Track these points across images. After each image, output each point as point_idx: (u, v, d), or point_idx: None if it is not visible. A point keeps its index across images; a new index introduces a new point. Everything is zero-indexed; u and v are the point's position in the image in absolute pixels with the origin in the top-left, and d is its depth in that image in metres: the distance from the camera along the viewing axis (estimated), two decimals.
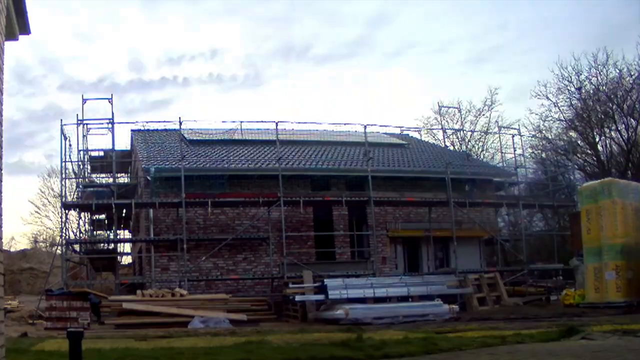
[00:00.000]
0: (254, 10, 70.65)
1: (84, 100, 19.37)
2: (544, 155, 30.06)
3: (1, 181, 4.53)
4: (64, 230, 19.51)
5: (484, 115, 37.95)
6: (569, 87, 30.53)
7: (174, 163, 19.10)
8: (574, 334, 8.93)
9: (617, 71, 29.02)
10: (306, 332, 11.18)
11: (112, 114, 19.64)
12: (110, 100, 19.79)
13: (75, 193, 21.39)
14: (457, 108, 36.77)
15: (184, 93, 67.98)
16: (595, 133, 30.09)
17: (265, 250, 18.97)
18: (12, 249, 37.05)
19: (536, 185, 26.04)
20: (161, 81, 68.04)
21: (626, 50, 39.89)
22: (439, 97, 66.57)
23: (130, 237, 25.36)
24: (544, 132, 31.77)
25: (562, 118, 31.22)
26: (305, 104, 66.65)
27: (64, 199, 19.66)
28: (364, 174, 19.55)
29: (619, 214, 16.06)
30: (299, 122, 22.35)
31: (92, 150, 21.49)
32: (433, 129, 36.01)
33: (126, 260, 27.82)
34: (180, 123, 19.52)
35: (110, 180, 22.03)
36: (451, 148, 31.88)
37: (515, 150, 23.27)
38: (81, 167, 21.61)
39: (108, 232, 24.01)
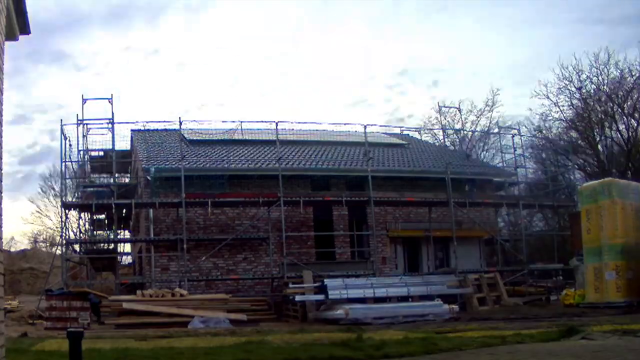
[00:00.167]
0: None
1: (84, 100, 19.35)
2: (544, 155, 30.06)
3: (1, 180, 4.54)
4: (64, 230, 19.52)
5: (484, 115, 38.04)
6: (569, 87, 30.58)
7: (174, 163, 19.09)
8: (574, 334, 8.93)
9: (618, 71, 29.07)
10: (306, 332, 11.18)
11: (112, 114, 19.64)
12: (110, 100, 19.78)
13: (75, 193, 21.38)
14: (457, 108, 36.84)
15: None
16: (595, 133, 30.09)
17: (265, 250, 18.97)
18: (12, 249, 37.08)
19: (536, 185, 26.06)
20: None
21: (627, 50, 40.01)
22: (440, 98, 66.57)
23: (130, 237, 25.36)
24: (544, 132, 31.80)
25: (563, 118, 31.27)
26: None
27: (64, 199, 19.66)
28: (364, 174, 19.55)
29: (619, 214, 16.06)
30: (299, 122, 22.35)
31: (92, 150, 21.48)
32: (433, 129, 36.05)
33: (126, 260, 27.83)
34: (180, 123, 19.53)
35: (110, 180, 22.02)
36: (451, 148, 31.87)
37: (515, 150, 23.28)
38: (81, 167, 21.61)
39: (108, 232, 24.00)
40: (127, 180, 24.38)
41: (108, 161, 21.24)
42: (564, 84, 30.56)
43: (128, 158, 23.14)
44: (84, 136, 20.40)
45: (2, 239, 4.44)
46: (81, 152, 20.82)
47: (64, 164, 19.21)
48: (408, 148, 25.48)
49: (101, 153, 21.72)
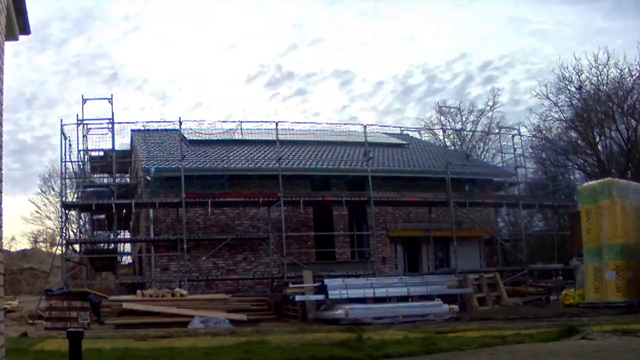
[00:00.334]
0: None
1: (84, 100, 19.36)
2: (543, 155, 30.06)
3: (1, 182, 4.54)
4: (64, 230, 19.52)
5: (485, 115, 38.07)
6: (569, 87, 30.58)
7: (174, 163, 19.09)
8: (574, 334, 8.93)
9: (618, 71, 29.07)
10: (306, 332, 11.18)
11: (112, 114, 19.64)
12: (110, 100, 19.79)
13: (75, 193, 21.39)
14: (457, 108, 36.89)
15: None
16: (595, 133, 30.09)
17: (265, 250, 18.98)
18: (12, 249, 37.09)
19: (536, 185, 26.06)
20: None
21: (627, 50, 39.95)
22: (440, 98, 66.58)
23: (130, 237, 25.36)
24: (544, 132, 31.80)
25: (562, 118, 31.27)
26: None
27: (64, 199, 19.67)
28: (364, 174, 19.56)
29: (619, 214, 16.06)
30: (299, 122, 22.35)
31: (92, 150, 21.48)
32: (433, 129, 36.07)
33: (126, 260, 27.83)
34: (180, 123, 19.55)
35: (110, 180, 22.03)
36: (452, 148, 31.89)
37: (515, 151, 23.28)
38: (81, 167, 21.61)
39: (108, 232, 24.00)
40: (127, 180, 24.38)
41: (108, 161, 21.24)
42: (563, 84, 30.62)
43: (128, 158, 23.14)
44: (84, 136, 20.42)
45: (2, 239, 4.44)
46: (81, 152, 20.82)
47: (64, 164, 19.23)
48: (408, 148, 25.48)
49: (101, 153, 21.72)
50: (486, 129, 36.61)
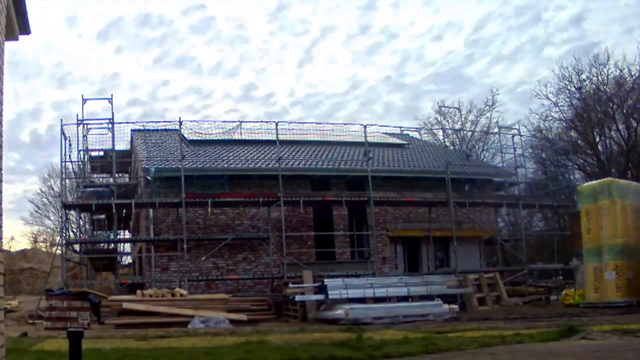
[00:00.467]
0: None
1: (84, 100, 19.36)
2: (543, 155, 30.06)
3: (1, 181, 4.54)
4: (64, 230, 19.52)
5: (484, 115, 38.05)
6: (569, 87, 30.57)
7: (174, 163, 19.09)
8: (574, 334, 8.93)
9: (618, 71, 29.07)
10: (306, 332, 11.18)
11: (112, 114, 19.64)
12: (110, 100, 19.79)
13: (75, 193, 21.38)
14: (457, 108, 36.87)
15: None
16: (595, 133, 30.08)
17: (265, 250, 18.98)
18: (12, 249, 37.08)
19: (536, 185, 26.05)
20: None
21: (627, 50, 39.95)
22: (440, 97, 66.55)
23: (130, 237, 25.37)
24: (544, 132, 31.79)
25: (562, 118, 31.26)
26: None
27: (64, 199, 19.66)
28: (364, 174, 19.56)
29: (619, 214, 16.07)
30: (299, 122, 22.34)
31: (92, 150, 21.48)
32: (433, 129, 36.07)
33: (126, 260, 27.84)
34: (180, 123, 19.55)
35: (110, 180, 22.02)
36: (451, 148, 31.89)
37: (515, 150, 23.28)
38: (81, 167, 21.61)
39: (108, 232, 23.99)
40: (127, 180, 24.38)
41: (108, 161, 21.24)
42: (563, 84, 30.61)
43: (128, 158, 23.15)
44: (84, 136, 20.42)
45: (2, 238, 4.44)
46: (81, 152, 20.82)
47: (63, 164, 19.23)
48: (408, 148, 25.48)
49: (101, 153, 21.72)
50: (485, 129, 36.61)
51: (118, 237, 23.39)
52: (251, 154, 21.38)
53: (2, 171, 4.57)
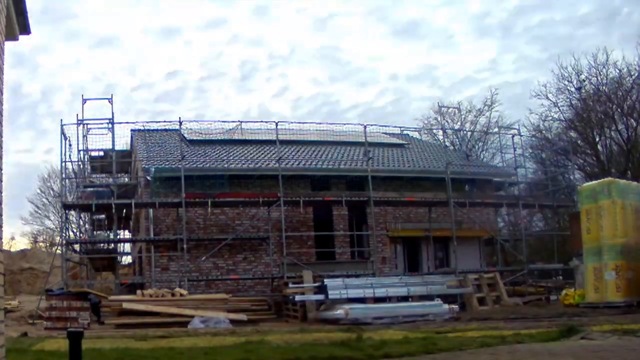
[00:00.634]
0: None
1: (84, 100, 19.36)
2: (543, 155, 30.07)
3: (1, 181, 4.54)
4: (64, 230, 19.52)
5: (484, 115, 38.03)
6: (569, 87, 30.58)
7: (174, 163, 19.10)
8: (574, 334, 8.93)
9: (617, 71, 29.08)
10: (306, 332, 11.19)
11: (112, 114, 19.64)
12: (110, 100, 19.79)
13: (75, 193, 21.38)
14: (457, 108, 36.84)
15: None
16: (595, 133, 30.09)
17: (265, 250, 18.99)
18: (12, 249, 37.06)
19: (536, 185, 26.06)
20: None
21: (626, 50, 39.97)
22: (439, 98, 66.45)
23: (130, 237, 25.36)
24: (544, 132, 31.80)
25: (562, 118, 31.27)
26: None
27: (64, 199, 19.66)
28: (364, 174, 19.57)
29: (618, 214, 16.06)
30: (299, 122, 22.33)
31: (92, 150, 21.49)
32: (433, 129, 36.05)
33: (126, 260, 27.82)
34: (180, 123, 19.56)
35: (110, 180, 22.02)
36: (451, 148, 31.89)
37: (515, 150, 23.29)
38: (81, 167, 21.61)
39: (108, 232, 23.99)
40: (127, 180, 24.38)
41: (108, 161, 21.25)
42: (563, 85, 30.62)
43: (128, 158, 23.15)
44: (84, 136, 20.42)
45: (2, 238, 4.44)
46: (81, 152, 20.82)
47: (63, 164, 19.23)
48: (408, 148, 25.49)
49: (101, 153, 21.73)
50: (484, 129, 36.60)
51: (118, 237, 23.38)
52: (251, 154, 21.38)
53: (2, 171, 4.57)
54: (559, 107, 31.12)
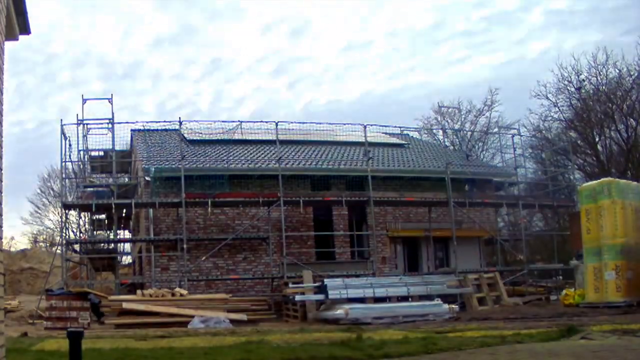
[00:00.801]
0: None
1: (84, 100, 19.35)
2: (543, 155, 30.07)
3: (1, 181, 4.54)
4: (64, 230, 19.53)
5: (484, 115, 38.01)
6: (568, 87, 30.57)
7: (174, 163, 19.10)
8: (574, 334, 8.92)
9: (617, 71, 29.08)
10: (306, 332, 11.19)
11: (112, 114, 19.64)
12: (110, 100, 19.78)
13: (75, 193, 21.38)
14: (457, 108, 36.84)
15: None
16: (595, 133, 30.09)
17: (265, 250, 18.99)
18: (12, 249, 37.05)
19: (536, 185, 26.07)
20: None
21: (626, 51, 39.91)
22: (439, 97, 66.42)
23: (130, 237, 25.36)
24: (544, 132, 31.81)
25: (562, 118, 31.27)
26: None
27: (64, 199, 19.66)
28: (364, 174, 19.57)
29: (618, 214, 16.06)
30: (299, 122, 22.30)
31: (92, 150, 21.48)
32: (433, 129, 36.04)
33: (126, 260, 27.82)
34: (180, 123, 19.55)
35: (110, 180, 22.02)
36: (451, 148, 31.89)
37: (515, 150, 23.30)
38: (81, 167, 21.60)
39: (108, 232, 24.00)
40: (127, 180, 24.37)
41: (108, 161, 21.25)
42: (563, 85, 30.62)
43: (128, 158, 23.14)
44: (84, 136, 20.42)
45: (2, 238, 4.44)
46: (81, 152, 20.82)
47: (63, 164, 19.23)
48: (408, 148, 25.49)
49: (101, 153, 21.72)
50: (484, 129, 36.59)
51: (118, 237, 23.38)
52: (251, 154, 21.38)
53: (2, 171, 4.57)
54: (558, 107, 31.15)
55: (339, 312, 14.81)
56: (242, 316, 15.40)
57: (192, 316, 14.69)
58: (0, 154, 4.56)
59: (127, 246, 24.86)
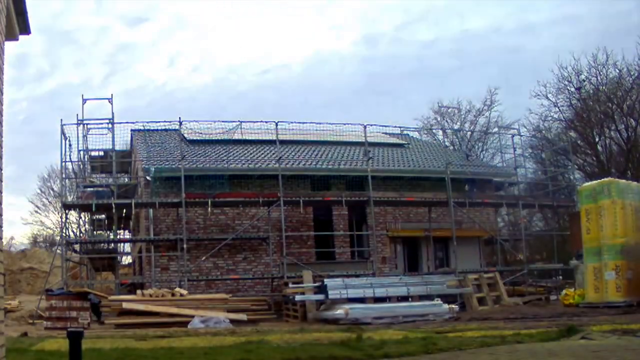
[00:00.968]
0: None
1: (84, 100, 19.35)
2: (543, 155, 30.09)
3: (1, 181, 4.54)
4: (64, 230, 19.53)
5: (483, 115, 38.02)
6: (568, 87, 30.58)
7: (174, 163, 19.10)
8: (574, 334, 8.92)
9: (617, 71, 29.08)
10: (306, 332, 11.19)
11: (112, 114, 19.63)
12: (110, 100, 19.78)
13: (75, 193, 21.39)
14: (456, 108, 36.85)
15: None
16: (595, 133, 30.10)
17: (265, 250, 18.99)
18: (12, 249, 37.05)
19: (536, 185, 26.09)
20: None
21: (626, 50, 39.97)
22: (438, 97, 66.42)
23: (130, 237, 25.37)
24: (543, 132, 31.81)
25: (562, 118, 31.28)
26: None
27: (64, 199, 19.66)
28: (364, 174, 19.57)
29: (618, 214, 16.07)
30: (299, 122, 22.32)
31: (92, 150, 21.48)
32: (433, 129, 36.05)
33: (126, 260, 27.82)
34: (180, 123, 19.55)
35: (110, 180, 22.02)
36: (451, 148, 31.90)
37: (515, 150, 23.31)
38: (81, 167, 21.60)
39: (108, 232, 24.00)
40: (127, 180, 24.37)
41: (108, 161, 21.25)
42: (563, 85, 30.62)
43: (128, 158, 23.15)
44: (84, 136, 20.42)
45: (2, 238, 4.44)
46: (81, 152, 20.82)
47: (63, 163, 19.23)
48: (408, 148, 25.49)
49: (101, 153, 21.72)
50: (484, 129, 36.60)
51: (118, 237, 23.39)
52: (251, 154, 21.38)
53: (2, 171, 4.57)
54: (558, 107, 31.16)
55: (339, 312, 14.81)
56: (242, 316, 15.40)
57: (192, 316, 14.68)
58: (0, 154, 4.56)
59: (127, 246, 24.89)
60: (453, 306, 15.92)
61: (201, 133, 21.90)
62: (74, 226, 22.20)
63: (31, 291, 28.12)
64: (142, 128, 22.86)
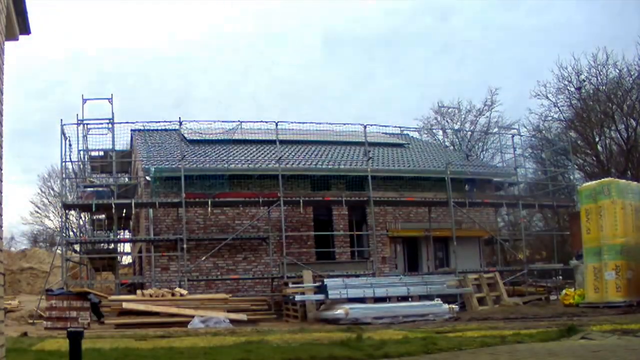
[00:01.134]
0: None
1: (84, 100, 19.35)
2: (543, 155, 30.11)
3: (1, 181, 4.54)
4: (64, 230, 19.52)
5: (484, 115, 38.02)
6: (568, 87, 30.58)
7: (174, 163, 19.11)
8: (574, 334, 8.93)
9: (617, 71, 29.08)
10: (306, 332, 11.19)
11: (112, 114, 19.63)
12: (110, 100, 19.77)
13: (75, 193, 21.39)
14: (456, 108, 36.86)
15: None
16: (595, 133, 30.10)
17: (265, 250, 18.99)
18: (12, 249, 37.05)
19: (536, 185, 26.11)
20: None
21: (626, 50, 39.90)
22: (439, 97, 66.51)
23: (130, 237, 25.36)
24: (543, 132, 31.82)
25: (562, 118, 31.29)
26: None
27: (64, 199, 19.67)
28: (364, 174, 19.57)
29: (618, 214, 16.08)
30: (299, 122, 22.32)
31: (92, 150, 21.48)
32: (433, 128, 36.06)
33: (126, 260, 27.82)
34: (180, 123, 19.55)
35: (110, 180, 22.02)
36: (451, 148, 31.91)
37: (515, 150, 23.31)
38: (81, 167, 21.60)
39: (108, 232, 24.00)
40: (127, 180, 24.37)
41: (108, 161, 21.25)
42: (563, 85, 30.63)
43: (128, 158, 23.14)
44: (84, 136, 20.41)
45: (2, 238, 4.44)
46: (81, 152, 20.82)
47: (63, 164, 19.23)
48: (408, 148, 25.50)
49: (101, 153, 21.72)
50: (484, 129, 36.61)
51: (118, 237, 23.39)
52: (251, 154, 21.38)
53: (2, 171, 4.57)
54: (558, 107, 31.17)
55: (339, 312, 14.81)
56: (242, 316, 15.40)
57: (192, 316, 14.69)
58: (0, 153, 4.56)
59: (127, 246, 24.88)
60: (453, 306, 15.92)
61: (201, 133, 21.90)
62: (74, 226, 22.21)
63: (31, 291, 28.13)
64: (142, 128, 22.87)
